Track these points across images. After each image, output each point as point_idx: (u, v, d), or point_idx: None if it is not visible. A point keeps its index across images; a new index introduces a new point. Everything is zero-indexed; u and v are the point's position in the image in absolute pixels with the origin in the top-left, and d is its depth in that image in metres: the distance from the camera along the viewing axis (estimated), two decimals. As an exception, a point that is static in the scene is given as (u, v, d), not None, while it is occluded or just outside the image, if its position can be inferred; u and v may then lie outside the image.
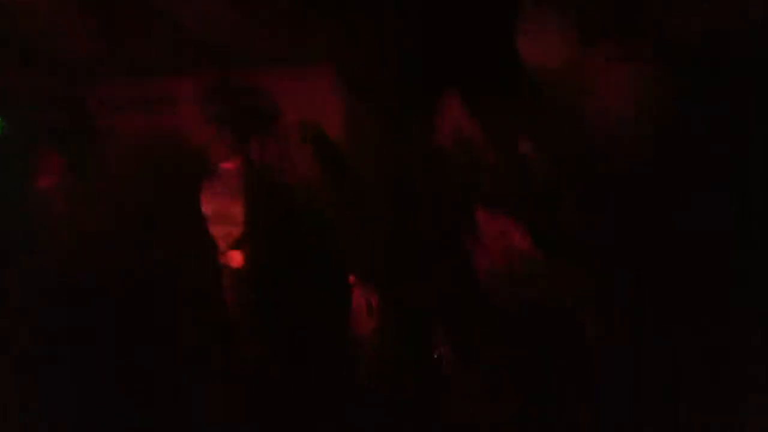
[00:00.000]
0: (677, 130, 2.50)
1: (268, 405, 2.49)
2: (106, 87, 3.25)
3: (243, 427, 2.49)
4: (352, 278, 2.53)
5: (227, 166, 2.78)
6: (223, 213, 2.72)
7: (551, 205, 2.57)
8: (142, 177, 2.96)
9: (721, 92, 2.46)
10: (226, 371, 2.58)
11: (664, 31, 2.65)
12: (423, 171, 2.81)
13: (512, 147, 2.72)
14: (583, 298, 2.37)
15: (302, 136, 2.80)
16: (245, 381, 2.54)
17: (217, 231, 2.72)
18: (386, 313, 2.53)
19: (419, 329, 2.52)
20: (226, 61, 2.96)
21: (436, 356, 2.46)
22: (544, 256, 2.45)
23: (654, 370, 2.26)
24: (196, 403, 2.49)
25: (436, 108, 2.83)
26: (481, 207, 2.59)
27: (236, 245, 2.68)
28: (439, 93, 2.84)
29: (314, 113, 2.89)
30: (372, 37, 2.97)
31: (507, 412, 2.33)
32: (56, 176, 2.96)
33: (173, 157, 2.97)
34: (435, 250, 2.66)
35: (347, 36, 2.97)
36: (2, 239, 2.81)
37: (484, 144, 2.79)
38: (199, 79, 2.99)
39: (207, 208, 2.74)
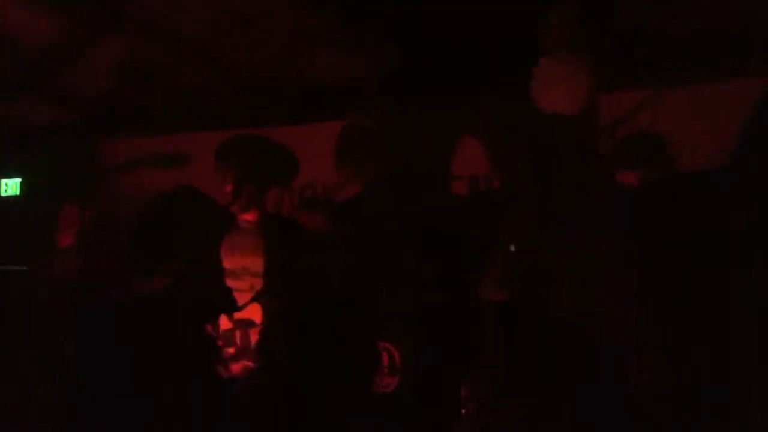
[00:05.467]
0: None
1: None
2: (125, 142, 3.30)
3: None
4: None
5: (246, 218, 2.77)
6: (242, 266, 2.70)
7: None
8: (160, 231, 2.96)
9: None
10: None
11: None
12: (443, 221, 2.79)
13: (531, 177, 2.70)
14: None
15: (309, 202, 2.80)
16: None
17: (236, 284, 2.70)
18: (410, 370, 2.48)
19: (442, 384, 2.47)
20: (247, 119, 2.99)
21: (464, 412, 2.40)
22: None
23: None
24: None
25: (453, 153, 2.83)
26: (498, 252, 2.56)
27: (256, 298, 2.65)
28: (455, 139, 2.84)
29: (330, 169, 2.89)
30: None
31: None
32: (76, 232, 2.96)
33: (192, 211, 2.98)
34: (458, 301, 2.62)
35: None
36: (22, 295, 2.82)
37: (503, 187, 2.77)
38: (217, 134, 3.03)
39: (227, 262, 2.73)
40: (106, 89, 3.14)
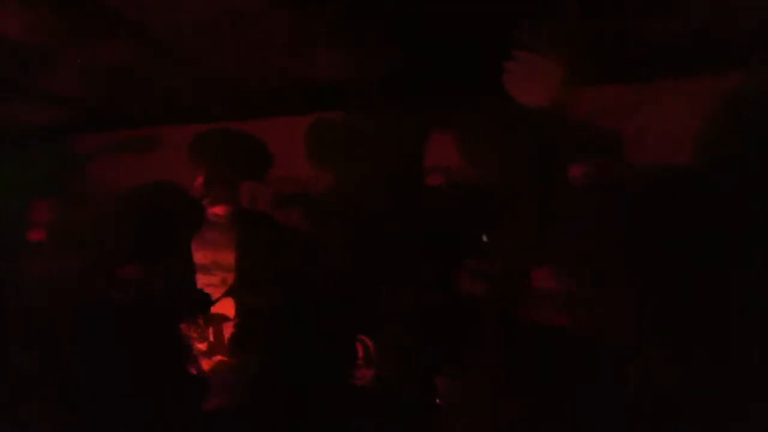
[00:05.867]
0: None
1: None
2: (98, 137, 3.26)
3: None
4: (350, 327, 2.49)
5: (216, 212, 2.75)
6: (213, 261, 2.68)
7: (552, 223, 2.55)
8: (132, 223, 2.93)
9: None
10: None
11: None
12: (418, 216, 2.79)
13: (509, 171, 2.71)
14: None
15: (282, 200, 2.78)
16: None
17: (208, 279, 2.68)
18: (385, 361, 2.48)
19: (420, 375, 2.47)
20: (221, 111, 2.97)
21: (438, 402, 2.40)
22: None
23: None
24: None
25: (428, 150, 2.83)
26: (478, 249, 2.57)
27: (228, 293, 2.63)
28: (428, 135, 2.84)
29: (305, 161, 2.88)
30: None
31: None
32: (47, 227, 2.93)
33: (164, 203, 2.95)
34: (434, 294, 2.62)
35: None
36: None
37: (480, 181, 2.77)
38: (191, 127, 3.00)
39: (198, 257, 2.71)
40: (81, 88, 3.11)
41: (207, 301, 2.63)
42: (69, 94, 3.17)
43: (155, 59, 2.91)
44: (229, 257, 2.66)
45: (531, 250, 2.49)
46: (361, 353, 2.49)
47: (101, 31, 2.74)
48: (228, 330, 2.55)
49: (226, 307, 2.60)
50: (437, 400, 2.42)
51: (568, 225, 2.48)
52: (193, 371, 2.52)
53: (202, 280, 2.70)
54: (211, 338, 2.54)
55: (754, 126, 2.52)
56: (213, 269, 2.69)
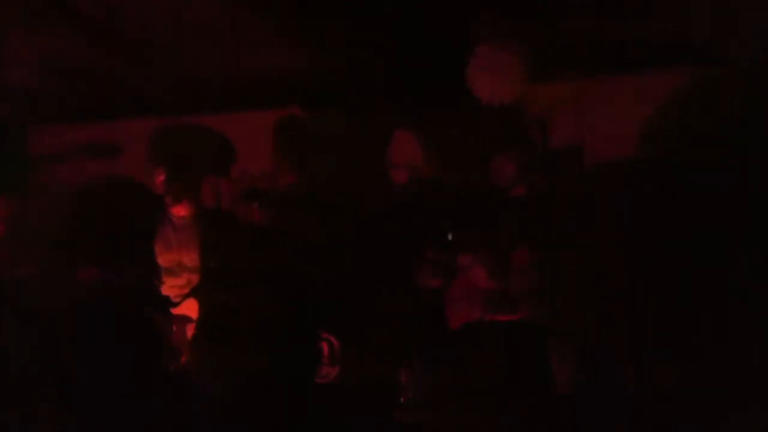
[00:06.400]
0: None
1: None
2: (58, 131, 3.19)
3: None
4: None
5: (179, 212, 2.72)
6: (177, 262, 2.66)
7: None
8: (90, 223, 2.89)
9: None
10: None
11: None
12: (382, 210, 2.80)
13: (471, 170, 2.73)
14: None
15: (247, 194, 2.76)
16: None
17: (172, 281, 2.66)
18: (350, 359, 2.50)
19: (383, 373, 2.50)
20: (184, 105, 2.92)
21: (403, 400, 2.44)
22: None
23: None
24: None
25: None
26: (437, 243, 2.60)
27: (192, 293, 2.62)
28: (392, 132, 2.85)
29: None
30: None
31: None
32: (4, 221, 2.87)
33: (123, 201, 2.91)
34: (396, 291, 2.65)
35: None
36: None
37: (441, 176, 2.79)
38: (152, 122, 2.95)
39: (161, 258, 2.68)
40: (38, 81, 3.04)
41: (169, 302, 2.62)
42: (24, 87, 3.10)
43: (113, 53, 2.85)
44: (193, 258, 2.63)
45: (480, 246, 2.52)
46: (326, 352, 2.50)
47: (56, 24, 2.68)
48: (191, 331, 2.53)
49: (189, 308, 2.58)
50: (401, 396, 2.46)
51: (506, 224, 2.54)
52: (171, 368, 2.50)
53: (168, 282, 2.68)
54: (175, 339, 2.53)
55: (703, 122, 2.59)
56: (178, 271, 2.66)
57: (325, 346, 2.51)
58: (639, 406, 2.26)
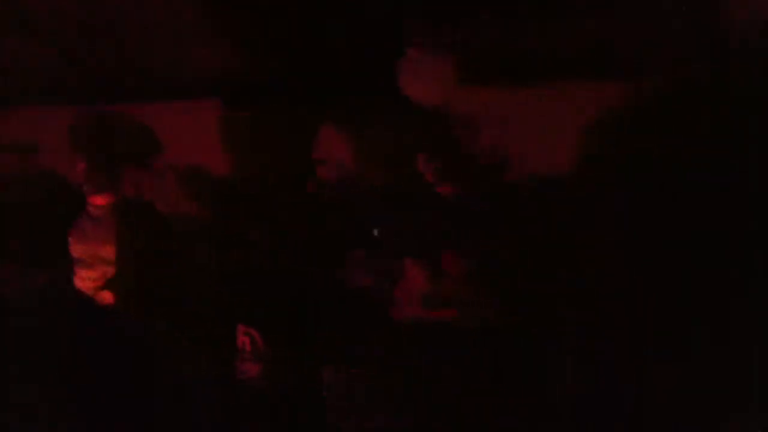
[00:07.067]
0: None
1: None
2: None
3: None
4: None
5: (97, 203, 2.64)
6: (94, 254, 2.57)
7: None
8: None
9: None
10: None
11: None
12: (308, 208, 2.79)
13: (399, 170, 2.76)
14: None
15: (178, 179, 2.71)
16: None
17: (87, 273, 2.57)
18: (272, 355, 2.47)
19: (309, 369, 2.48)
20: (105, 92, 2.84)
21: (326, 395, 2.43)
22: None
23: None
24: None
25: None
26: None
27: (107, 286, 2.54)
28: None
29: (198, 149, 2.80)
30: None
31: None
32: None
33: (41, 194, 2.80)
34: (321, 288, 2.64)
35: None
36: None
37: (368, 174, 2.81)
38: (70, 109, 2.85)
39: (78, 250, 2.59)
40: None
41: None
42: None
43: (36, 41, 2.75)
44: (110, 250, 2.56)
45: (409, 246, 2.55)
46: (248, 347, 2.47)
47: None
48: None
49: (105, 301, 2.51)
50: (323, 393, 2.45)
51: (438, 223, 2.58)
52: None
53: (81, 275, 2.58)
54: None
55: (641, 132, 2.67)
56: (93, 263, 2.58)
57: (247, 341, 2.47)
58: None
